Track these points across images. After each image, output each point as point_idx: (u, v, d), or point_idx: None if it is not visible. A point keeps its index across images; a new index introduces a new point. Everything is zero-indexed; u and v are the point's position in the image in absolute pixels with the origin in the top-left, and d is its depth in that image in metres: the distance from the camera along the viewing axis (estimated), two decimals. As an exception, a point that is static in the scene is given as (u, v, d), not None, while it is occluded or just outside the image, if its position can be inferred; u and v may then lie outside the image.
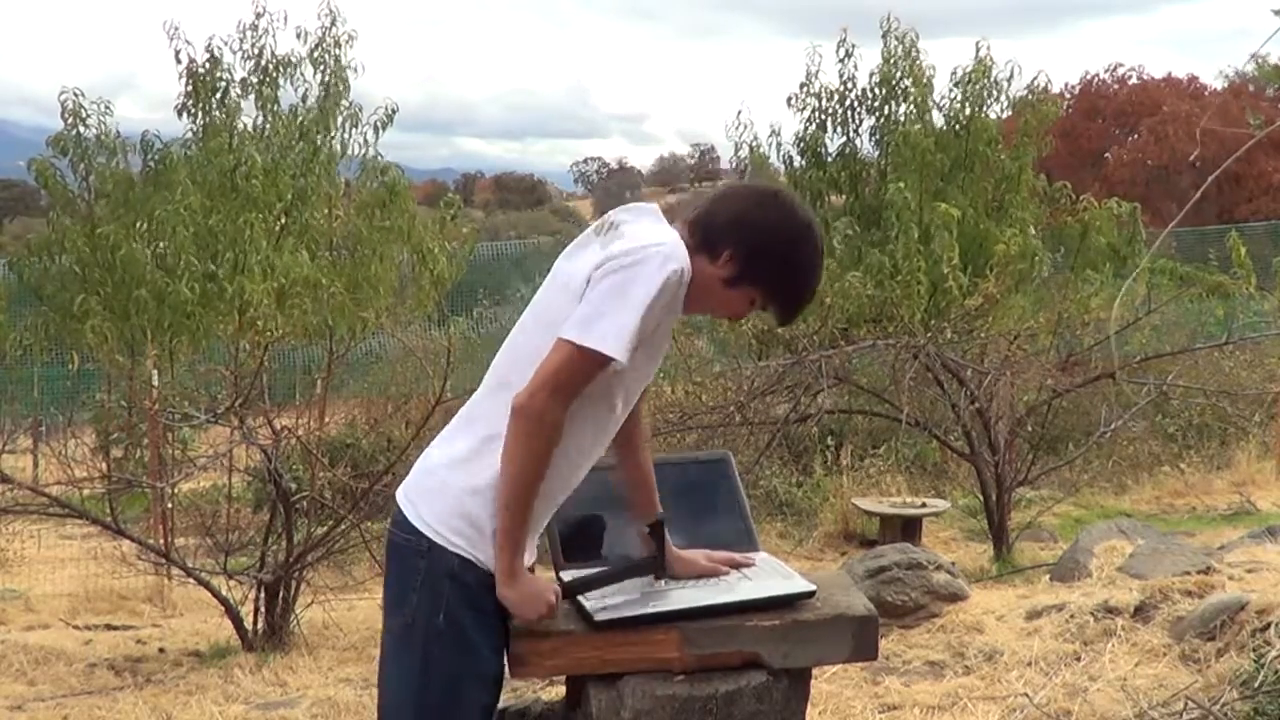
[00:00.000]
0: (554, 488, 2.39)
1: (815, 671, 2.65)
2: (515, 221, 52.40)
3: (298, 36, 14.71)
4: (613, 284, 2.26)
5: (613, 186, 72.49)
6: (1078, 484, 10.46)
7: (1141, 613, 5.14)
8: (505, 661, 2.43)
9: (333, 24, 14.72)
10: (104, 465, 10.75)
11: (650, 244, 2.30)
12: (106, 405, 11.43)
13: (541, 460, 2.29)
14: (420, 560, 2.36)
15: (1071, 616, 5.24)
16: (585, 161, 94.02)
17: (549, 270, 2.49)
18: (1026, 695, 4.50)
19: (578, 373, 2.27)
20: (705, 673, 2.33)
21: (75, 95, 13.83)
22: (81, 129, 13.82)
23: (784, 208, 2.43)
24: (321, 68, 14.73)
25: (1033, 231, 14.46)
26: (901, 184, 13.78)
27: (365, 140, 15.07)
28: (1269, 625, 4.40)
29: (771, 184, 2.50)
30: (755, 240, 2.37)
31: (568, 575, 2.53)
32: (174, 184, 13.61)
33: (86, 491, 7.85)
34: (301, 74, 14.73)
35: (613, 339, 2.23)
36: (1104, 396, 9.91)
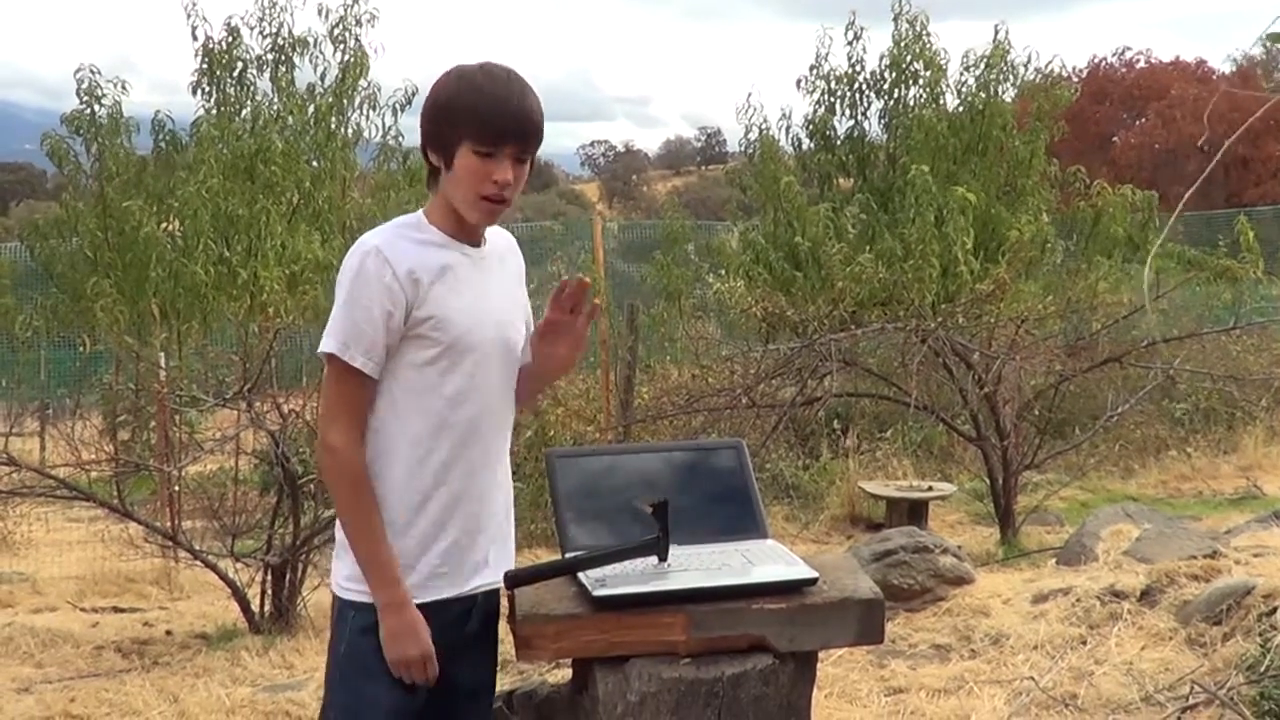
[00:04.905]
0: (431, 491, 2.35)
1: (821, 655, 2.65)
2: (522, 204, 52.34)
3: (319, 13, 14.65)
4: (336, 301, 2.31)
5: (620, 170, 72.42)
6: (1084, 468, 10.43)
7: (1147, 597, 5.14)
8: (415, 694, 2.39)
9: (355, 1, 14.64)
10: (111, 448, 10.74)
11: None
12: (114, 387, 11.43)
13: (350, 489, 2.29)
14: (342, 622, 2.41)
15: (1078, 600, 5.24)
16: (592, 145, 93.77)
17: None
18: (1032, 679, 4.50)
19: (331, 389, 2.31)
20: (711, 655, 2.32)
21: (92, 73, 13.68)
22: (96, 108, 13.73)
23: (439, 81, 2.33)
24: (341, 46, 14.66)
25: (1045, 218, 14.44)
26: (925, 167, 13.73)
27: (384, 123, 15.04)
28: (1275, 609, 4.40)
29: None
30: (428, 116, 2.32)
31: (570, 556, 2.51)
32: (196, 164, 13.52)
33: (94, 474, 7.85)
34: (321, 52, 14.68)
35: (329, 339, 2.27)
36: (1111, 381, 9.89)
